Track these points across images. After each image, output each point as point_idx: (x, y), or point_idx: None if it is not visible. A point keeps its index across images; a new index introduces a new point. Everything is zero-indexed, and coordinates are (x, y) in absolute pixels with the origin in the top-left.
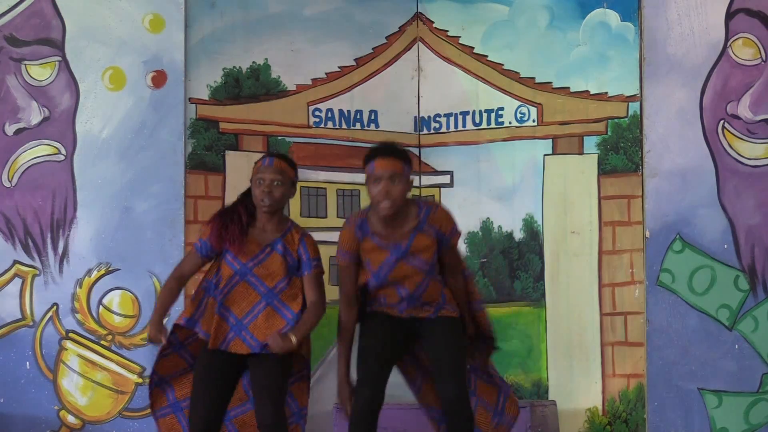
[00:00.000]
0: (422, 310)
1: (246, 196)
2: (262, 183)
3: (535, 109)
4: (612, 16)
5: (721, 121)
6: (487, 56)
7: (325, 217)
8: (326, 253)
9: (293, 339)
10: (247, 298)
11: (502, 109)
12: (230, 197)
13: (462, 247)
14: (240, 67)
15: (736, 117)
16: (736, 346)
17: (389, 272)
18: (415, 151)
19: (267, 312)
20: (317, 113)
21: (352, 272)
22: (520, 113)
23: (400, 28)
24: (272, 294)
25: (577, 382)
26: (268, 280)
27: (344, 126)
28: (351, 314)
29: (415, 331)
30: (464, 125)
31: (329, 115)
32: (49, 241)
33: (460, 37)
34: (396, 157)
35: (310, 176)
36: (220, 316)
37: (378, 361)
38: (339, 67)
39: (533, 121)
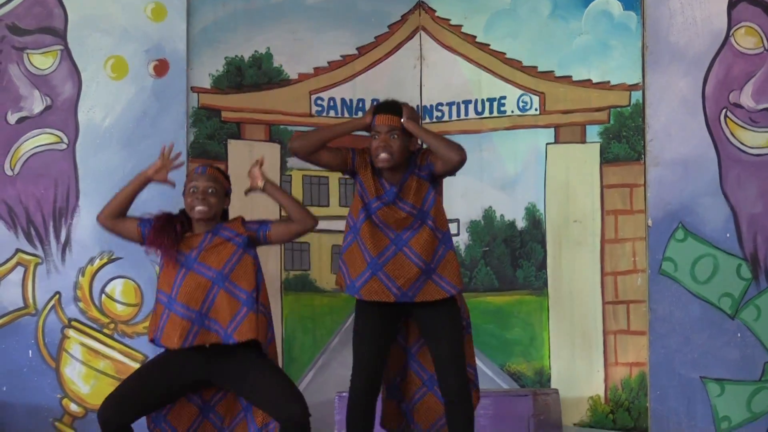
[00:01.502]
0: (412, 272)
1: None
2: (195, 191)
3: (537, 97)
4: (614, 5)
5: (724, 110)
6: (489, 45)
7: (328, 205)
8: (328, 241)
9: (262, 182)
10: (199, 287)
11: (504, 98)
12: (232, 186)
13: (465, 235)
14: (242, 55)
15: (739, 106)
16: (739, 335)
17: (379, 209)
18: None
19: (221, 296)
20: (319, 102)
21: (343, 152)
22: (523, 102)
23: (402, 17)
24: (221, 276)
25: (579, 371)
26: (215, 263)
27: (346, 115)
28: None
29: (409, 316)
30: (466, 114)
31: (331, 104)
32: (51, 229)
33: (462, 26)
34: (396, 113)
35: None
36: (176, 314)
37: (373, 347)
38: (341, 56)
39: (535, 110)
